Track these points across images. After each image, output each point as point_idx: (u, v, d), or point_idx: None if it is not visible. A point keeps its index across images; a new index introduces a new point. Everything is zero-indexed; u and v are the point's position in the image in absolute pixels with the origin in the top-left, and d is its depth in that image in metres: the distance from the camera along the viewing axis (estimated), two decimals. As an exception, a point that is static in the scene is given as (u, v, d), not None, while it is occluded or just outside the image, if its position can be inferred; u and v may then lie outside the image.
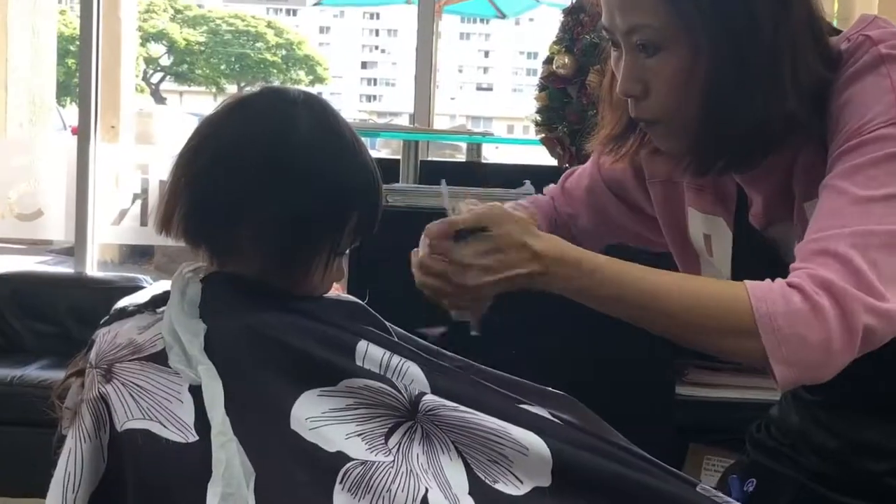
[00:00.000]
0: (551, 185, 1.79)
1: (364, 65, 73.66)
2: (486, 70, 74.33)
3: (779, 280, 1.20)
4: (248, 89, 1.34)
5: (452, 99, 56.34)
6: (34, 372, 3.90)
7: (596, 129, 1.53)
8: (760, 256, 1.41)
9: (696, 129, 1.31)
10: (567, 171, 1.78)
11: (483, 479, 1.17)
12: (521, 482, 1.18)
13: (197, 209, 1.26)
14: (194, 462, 1.12)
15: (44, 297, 4.30)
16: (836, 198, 1.23)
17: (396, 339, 1.29)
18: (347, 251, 1.33)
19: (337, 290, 1.35)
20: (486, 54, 73.69)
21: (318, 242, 1.28)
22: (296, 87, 1.34)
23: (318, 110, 1.28)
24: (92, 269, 4.65)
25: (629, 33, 1.30)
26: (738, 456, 2.70)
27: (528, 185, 2.62)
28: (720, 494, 1.24)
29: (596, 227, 1.71)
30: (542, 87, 2.74)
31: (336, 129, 1.28)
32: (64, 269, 5.42)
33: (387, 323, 1.33)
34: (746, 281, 1.21)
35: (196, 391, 1.17)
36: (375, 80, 74.00)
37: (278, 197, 1.23)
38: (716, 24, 1.25)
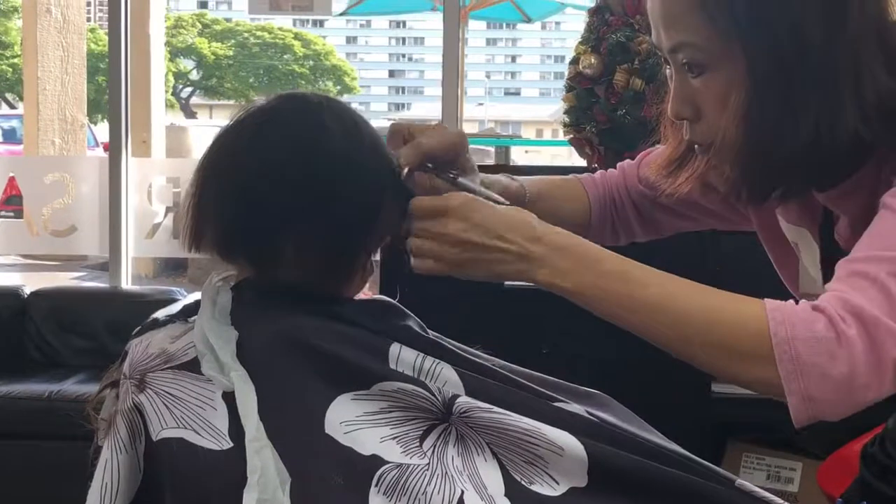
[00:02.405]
0: (627, 161, 1.64)
1: (392, 73, 73.87)
2: (513, 75, 74.32)
3: (804, 302, 1.10)
4: (263, 99, 1.29)
5: (480, 104, 56.33)
6: (71, 387, 3.92)
7: (658, 149, 1.45)
8: None
9: (743, 156, 1.21)
10: (645, 152, 1.61)
11: (519, 480, 1.17)
12: (557, 483, 1.17)
13: (234, 227, 1.24)
14: (230, 469, 1.12)
15: (79, 312, 4.34)
16: (887, 217, 1.13)
17: (431, 337, 1.28)
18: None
19: (367, 294, 1.35)
20: (513, 59, 73.71)
21: (360, 245, 1.27)
22: (311, 92, 1.32)
23: (344, 114, 1.27)
24: (126, 284, 4.68)
25: (674, 51, 1.24)
26: (778, 452, 2.70)
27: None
28: (757, 490, 1.23)
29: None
30: (570, 88, 2.74)
31: (361, 131, 1.27)
32: (99, 283, 5.45)
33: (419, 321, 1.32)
34: (767, 299, 1.12)
35: (229, 398, 1.17)
36: (404, 88, 74.22)
37: (321, 207, 1.22)
38: (755, 42, 1.17)
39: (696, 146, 1.30)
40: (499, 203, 1.26)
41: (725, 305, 1.13)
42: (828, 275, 1.28)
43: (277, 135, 1.24)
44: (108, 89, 4.72)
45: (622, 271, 1.17)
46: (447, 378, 1.21)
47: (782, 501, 1.22)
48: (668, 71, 1.29)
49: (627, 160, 1.63)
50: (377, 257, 1.33)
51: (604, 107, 2.63)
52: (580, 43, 2.72)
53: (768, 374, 1.08)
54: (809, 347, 1.07)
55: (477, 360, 1.28)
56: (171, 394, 1.19)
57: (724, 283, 1.20)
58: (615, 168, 1.63)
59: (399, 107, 69.73)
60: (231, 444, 1.14)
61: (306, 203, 1.21)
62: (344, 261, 1.26)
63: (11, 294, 4.43)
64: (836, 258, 1.21)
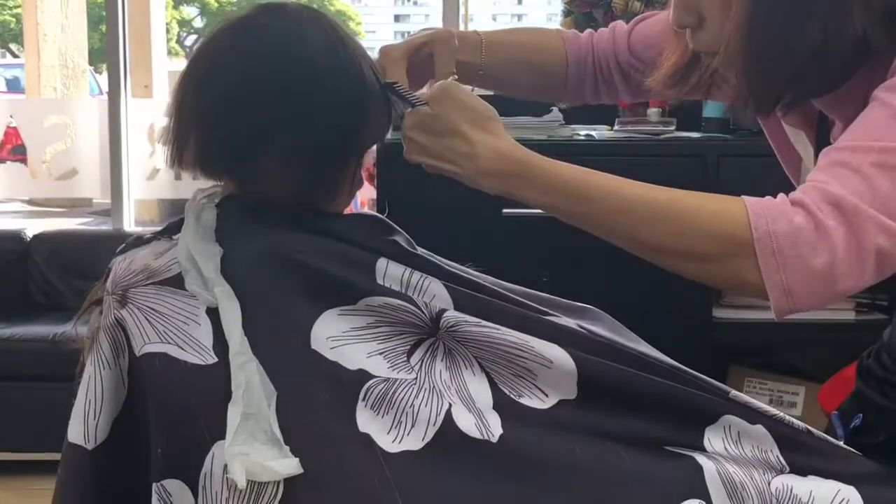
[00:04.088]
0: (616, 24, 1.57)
1: (397, 18, 73.34)
2: (520, 18, 73.68)
3: (782, 195, 1.10)
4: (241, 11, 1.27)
5: (487, 48, 55.85)
6: (75, 328, 3.92)
7: (652, 14, 1.43)
8: None
9: (748, 63, 1.19)
10: (638, 17, 1.56)
11: (508, 393, 1.15)
12: (547, 395, 1.16)
13: (216, 141, 1.22)
14: (214, 383, 1.11)
15: (82, 254, 4.33)
16: (876, 109, 1.11)
17: (419, 252, 1.26)
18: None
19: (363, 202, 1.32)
20: (520, 0, 73.06)
21: (345, 157, 1.25)
22: (292, 2, 1.29)
23: (325, 24, 1.25)
24: (129, 226, 4.66)
25: None
26: (780, 377, 2.69)
27: (555, 112, 2.58)
28: (753, 401, 1.21)
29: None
30: (567, 13, 2.70)
31: (343, 41, 1.24)
32: (102, 227, 5.44)
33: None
34: (745, 196, 1.11)
35: (213, 313, 1.15)
36: (409, 33, 73.57)
37: (304, 119, 1.20)
38: None
39: (702, 54, 1.28)
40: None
41: (703, 204, 1.13)
42: None
43: (254, 44, 1.22)
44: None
45: (584, 181, 1.17)
46: (435, 292, 1.19)
47: (776, 411, 1.20)
48: None
49: (619, 22, 1.59)
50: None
51: (602, 31, 2.58)
52: (578, -34, 2.67)
53: (748, 269, 1.08)
54: (790, 240, 1.06)
55: (466, 275, 1.26)
56: (153, 309, 1.17)
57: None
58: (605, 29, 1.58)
59: (405, 52, 69.15)
60: (215, 359, 1.13)
61: (285, 112, 1.19)
62: (329, 172, 1.24)
63: (14, 237, 4.43)
64: None
